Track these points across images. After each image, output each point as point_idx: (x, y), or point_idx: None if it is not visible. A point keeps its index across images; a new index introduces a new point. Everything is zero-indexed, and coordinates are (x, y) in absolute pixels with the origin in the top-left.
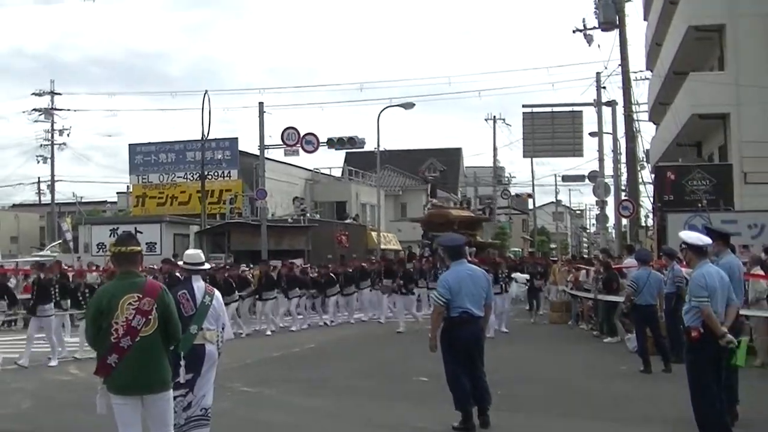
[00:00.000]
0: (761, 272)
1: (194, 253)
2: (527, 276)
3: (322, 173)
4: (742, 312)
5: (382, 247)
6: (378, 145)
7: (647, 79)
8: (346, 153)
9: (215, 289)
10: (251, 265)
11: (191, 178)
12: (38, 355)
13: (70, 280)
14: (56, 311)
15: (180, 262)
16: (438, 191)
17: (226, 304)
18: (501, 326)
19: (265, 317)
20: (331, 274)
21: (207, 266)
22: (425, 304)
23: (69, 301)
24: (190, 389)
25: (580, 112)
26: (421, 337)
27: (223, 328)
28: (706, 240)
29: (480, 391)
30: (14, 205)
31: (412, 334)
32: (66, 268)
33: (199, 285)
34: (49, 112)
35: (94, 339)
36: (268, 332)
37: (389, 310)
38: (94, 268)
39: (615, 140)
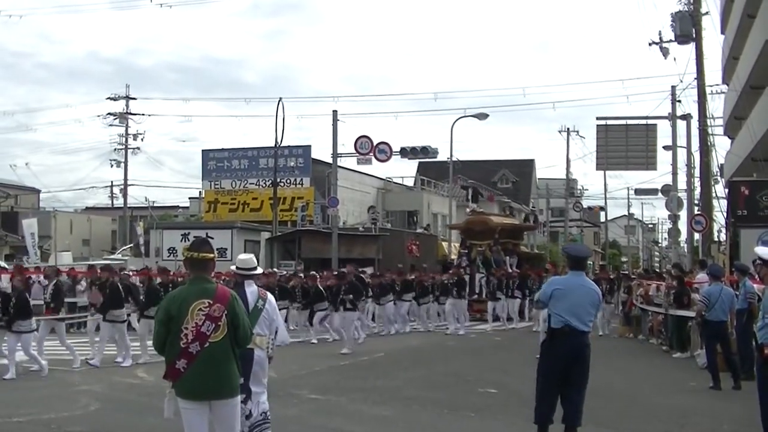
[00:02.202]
0: None
1: (247, 258)
2: None
3: (394, 182)
4: None
5: (453, 257)
6: (451, 155)
7: (723, 93)
8: (419, 162)
9: (268, 293)
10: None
11: (263, 185)
12: (109, 357)
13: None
14: None
15: (232, 267)
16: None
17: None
18: None
19: None
20: (319, 287)
21: (259, 271)
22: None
23: None
24: (248, 396)
25: (655, 125)
26: (489, 348)
27: (276, 332)
28: None
29: (570, 408)
30: (87, 208)
31: (484, 347)
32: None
33: (252, 290)
34: (123, 117)
35: (161, 343)
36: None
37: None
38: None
39: (689, 154)
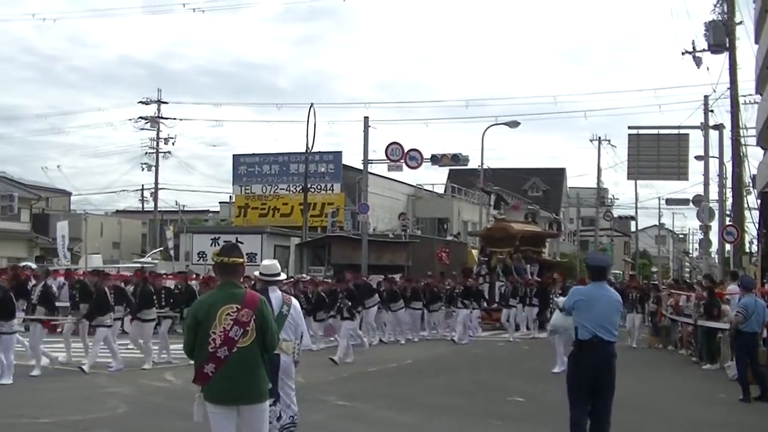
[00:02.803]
0: None
1: (270, 264)
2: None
3: (424, 189)
4: None
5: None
6: (482, 163)
7: (756, 102)
8: (450, 170)
9: (293, 299)
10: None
11: (294, 191)
12: (135, 361)
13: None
14: None
15: (256, 273)
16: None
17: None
18: None
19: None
20: (321, 293)
21: (283, 276)
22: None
23: None
24: (276, 399)
25: (687, 135)
26: (517, 357)
27: (301, 337)
28: None
29: (597, 419)
30: (118, 211)
31: (511, 355)
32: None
33: (276, 295)
34: (155, 121)
35: (190, 347)
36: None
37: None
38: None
39: (721, 164)
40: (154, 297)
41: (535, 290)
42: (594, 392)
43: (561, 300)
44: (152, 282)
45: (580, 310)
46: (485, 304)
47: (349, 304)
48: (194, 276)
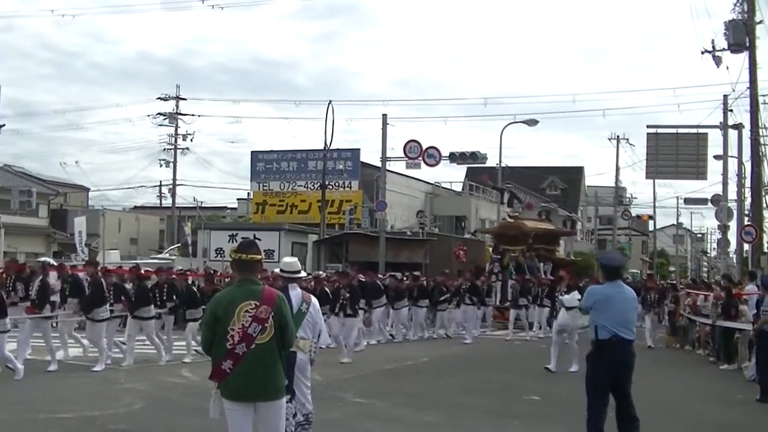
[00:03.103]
0: None
1: (291, 261)
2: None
3: (442, 187)
4: None
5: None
6: (500, 161)
7: None
8: (468, 168)
9: (312, 297)
10: None
11: (312, 188)
12: (151, 356)
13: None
14: None
15: (276, 270)
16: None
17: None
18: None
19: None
20: (326, 289)
21: (303, 274)
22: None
23: None
24: (292, 396)
25: (705, 134)
26: (534, 356)
27: (319, 336)
28: None
29: (627, 420)
30: (135, 207)
31: (528, 354)
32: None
33: (296, 293)
34: (173, 117)
35: (209, 344)
36: (161, 362)
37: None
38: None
39: (740, 164)
40: (157, 294)
41: (546, 290)
42: (614, 390)
43: (566, 298)
44: (167, 278)
45: (599, 310)
46: (498, 302)
47: (348, 296)
48: (212, 272)
